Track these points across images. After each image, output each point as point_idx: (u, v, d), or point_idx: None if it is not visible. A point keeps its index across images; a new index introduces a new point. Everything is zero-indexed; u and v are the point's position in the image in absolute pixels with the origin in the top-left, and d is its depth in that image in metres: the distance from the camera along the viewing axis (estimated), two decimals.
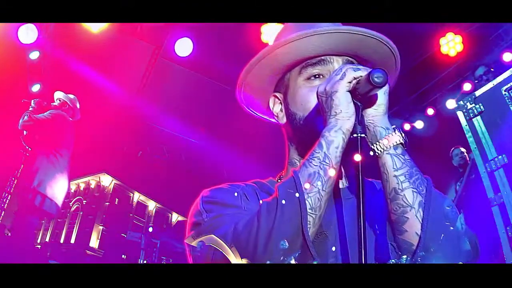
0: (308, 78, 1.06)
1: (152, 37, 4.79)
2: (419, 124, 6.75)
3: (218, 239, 0.84)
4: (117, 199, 39.60)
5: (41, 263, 3.71)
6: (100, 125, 6.97)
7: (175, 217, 40.13)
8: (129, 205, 40.54)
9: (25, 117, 4.39)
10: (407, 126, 6.91)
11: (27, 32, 4.34)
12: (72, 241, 36.31)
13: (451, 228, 0.87)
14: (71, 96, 4.91)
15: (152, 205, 42.39)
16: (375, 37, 1.03)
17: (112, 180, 39.68)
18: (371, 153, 0.92)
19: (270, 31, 4.47)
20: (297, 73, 1.08)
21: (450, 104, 5.97)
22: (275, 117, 1.17)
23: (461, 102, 2.91)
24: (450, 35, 5.22)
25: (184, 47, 4.81)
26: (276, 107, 1.16)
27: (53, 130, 4.42)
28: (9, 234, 4.25)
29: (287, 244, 0.79)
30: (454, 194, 5.37)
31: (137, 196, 41.38)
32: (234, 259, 0.81)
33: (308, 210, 0.82)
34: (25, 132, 4.57)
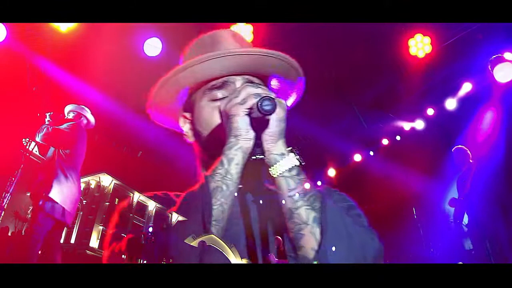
0: (212, 100, 1.09)
1: (121, 37, 4.70)
2: (419, 124, 6.76)
3: (218, 238, 0.85)
4: (117, 199, 39.54)
5: (40, 263, 3.71)
6: (100, 125, 6.96)
7: (175, 217, 39.99)
8: (129, 205, 40.39)
9: (45, 130, 4.26)
10: (407, 126, 6.91)
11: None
12: (72, 241, 36.29)
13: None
14: (82, 106, 4.86)
15: (152, 205, 42.35)
16: (272, 56, 1.08)
17: (112, 180, 39.64)
18: (272, 173, 0.96)
19: (238, 31, 4.47)
20: (202, 94, 1.12)
21: (450, 104, 5.97)
22: (185, 136, 1.22)
23: None
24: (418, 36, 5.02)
25: (153, 47, 4.75)
26: (186, 127, 1.21)
27: (71, 142, 4.35)
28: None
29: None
30: (457, 192, 5.36)
31: (137, 196, 41.35)
32: (234, 259, 0.81)
33: (213, 222, 0.88)
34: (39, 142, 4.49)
